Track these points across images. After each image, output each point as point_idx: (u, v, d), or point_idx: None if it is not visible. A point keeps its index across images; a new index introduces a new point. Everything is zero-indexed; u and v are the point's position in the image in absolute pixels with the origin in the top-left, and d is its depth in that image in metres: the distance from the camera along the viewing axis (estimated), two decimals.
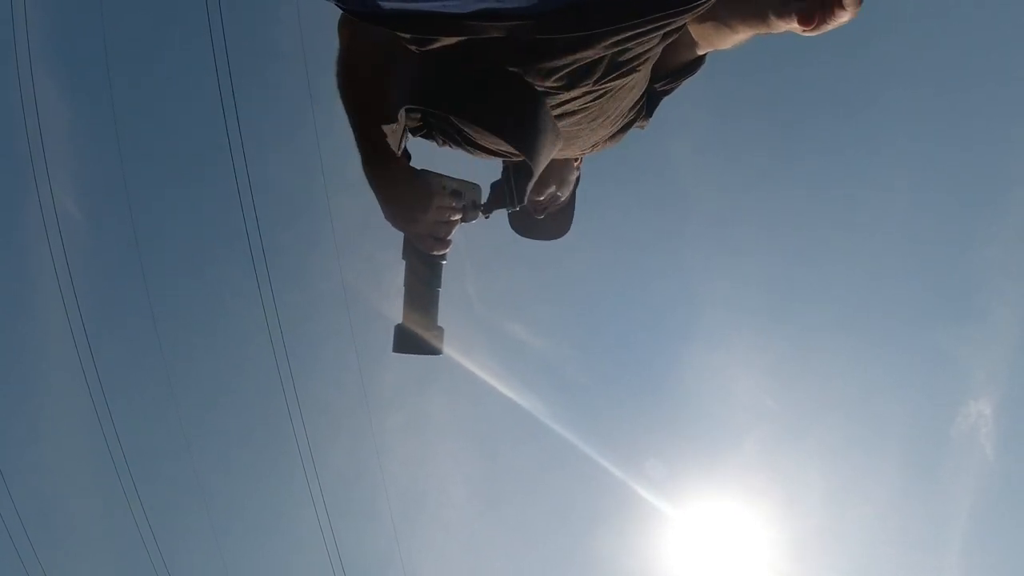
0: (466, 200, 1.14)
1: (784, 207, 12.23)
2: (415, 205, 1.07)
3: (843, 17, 0.82)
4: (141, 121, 12.19)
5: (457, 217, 1.13)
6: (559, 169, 1.31)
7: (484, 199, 1.22)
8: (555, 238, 1.50)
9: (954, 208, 11.11)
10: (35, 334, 12.75)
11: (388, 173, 1.06)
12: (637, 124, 1.18)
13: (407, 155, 1.09)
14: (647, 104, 1.15)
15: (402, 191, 1.07)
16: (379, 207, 1.10)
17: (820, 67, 10.33)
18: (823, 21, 0.82)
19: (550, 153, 0.96)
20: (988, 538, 12.89)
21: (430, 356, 1.24)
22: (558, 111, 0.98)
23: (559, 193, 1.35)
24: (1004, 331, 11.03)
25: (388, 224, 1.14)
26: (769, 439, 13.92)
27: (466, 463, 15.68)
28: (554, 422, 12.98)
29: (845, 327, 12.58)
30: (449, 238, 1.14)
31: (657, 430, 14.74)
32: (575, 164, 1.36)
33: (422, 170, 1.10)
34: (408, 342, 1.20)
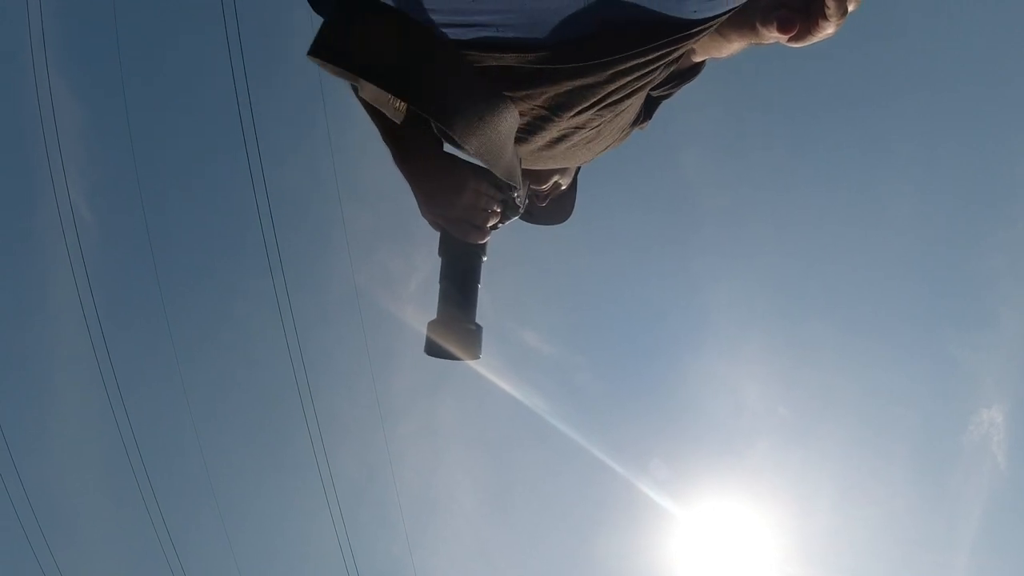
0: (506, 195, 1.09)
1: (794, 213, 12.17)
2: (449, 188, 1.04)
3: (828, 29, 0.79)
4: (155, 124, 12.30)
5: (497, 208, 1.08)
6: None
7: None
8: (558, 223, 1.49)
9: (965, 215, 11.03)
10: (50, 335, 12.87)
11: (419, 159, 1.03)
12: (638, 127, 1.17)
13: (439, 142, 1.05)
14: (645, 109, 1.14)
15: (436, 175, 1.04)
16: (415, 202, 1.07)
17: (825, 72, 10.30)
18: (807, 32, 0.80)
19: (488, 126, 0.86)
20: (999, 547, 12.75)
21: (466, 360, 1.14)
22: (556, 134, 0.97)
23: (561, 182, 1.33)
24: (1016, 339, 10.93)
25: (423, 223, 1.10)
26: (779, 445, 13.84)
27: (478, 465, 15.68)
28: (566, 426, 12.98)
29: (856, 334, 12.50)
30: (488, 227, 1.09)
31: (669, 433, 14.71)
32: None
33: (457, 156, 1.05)
34: (442, 345, 1.12)
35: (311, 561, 15.43)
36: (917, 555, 13.46)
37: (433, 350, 1.13)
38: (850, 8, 0.77)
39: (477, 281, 1.14)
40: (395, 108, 0.95)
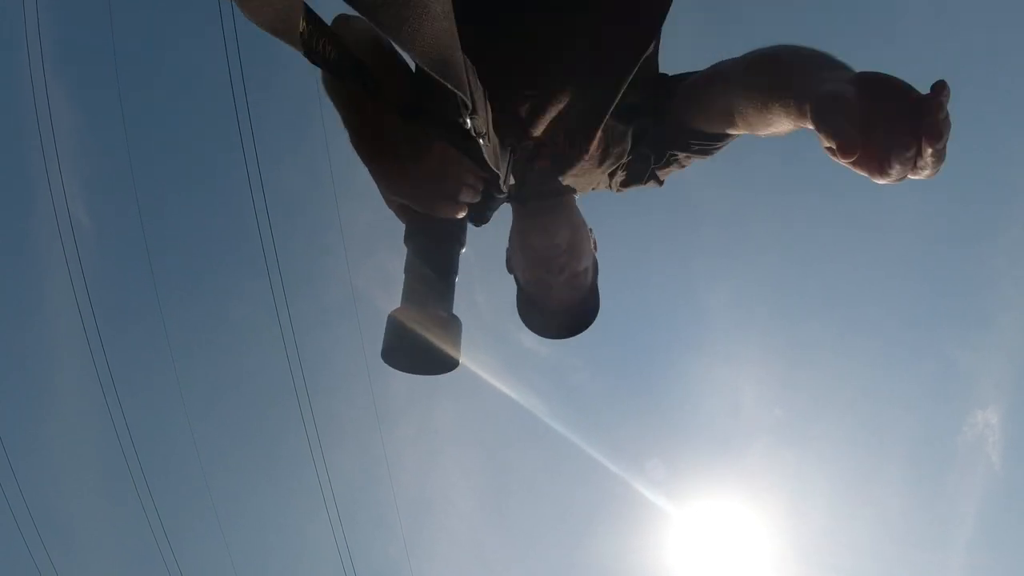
0: (486, 172, 0.89)
1: (792, 213, 12.19)
2: (413, 156, 0.86)
3: (894, 175, 0.67)
4: (152, 126, 12.28)
5: (474, 182, 0.90)
6: (567, 212, 1.20)
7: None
8: (578, 325, 1.29)
9: (965, 217, 11.05)
10: (48, 338, 12.84)
11: (380, 134, 0.87)
12: (644, 182, 1.13)
13: (399, 118, 0.86)
14: (654, 157, 1.09)
15: (397, 147, 0.86)
16: (378, 188, 0.92)
17: None
18: (870, 166, 0.67)
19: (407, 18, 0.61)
20: (994, 547, 12.78)
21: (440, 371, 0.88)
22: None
23: (574, 250, 1.19)
24: (1011, 341, 10.96)
25: (394, 217, 0.96)
26: (775, 445, 13.86)
27: (475, 466, 15.68)
28: (563, 427, 12.98)
29: (854, 335, 12.51)
30: (463, 200, 0.90)
31: (666, 434, 14.73)
32: (590, 236, 1.27)
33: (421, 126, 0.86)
34: (408, 354, 0.86)
35: (308, 562, 15.42)
36: (912, 555, 13.49)
37: (398, 362, 0.87)
38: (923, 173, 0.67)
39: (454, 272, 0.93)
40: (299, 32, 0.69)
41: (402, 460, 15.31)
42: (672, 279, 13.63)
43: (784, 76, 0.82)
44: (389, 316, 0.88)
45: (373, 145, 0.88)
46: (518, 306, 1.34)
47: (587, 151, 1.10)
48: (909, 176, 0.67)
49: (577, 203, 1.26)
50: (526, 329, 1.31)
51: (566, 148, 1.10)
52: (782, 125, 0.84)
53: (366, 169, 0.92)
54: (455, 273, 0.93)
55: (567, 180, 1.15)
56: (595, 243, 1.31)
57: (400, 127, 0.85)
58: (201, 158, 12.59)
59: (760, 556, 13.31)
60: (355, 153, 0.90)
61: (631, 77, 0.97)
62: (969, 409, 12.26)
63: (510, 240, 1.29)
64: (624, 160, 1.15)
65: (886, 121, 0.66)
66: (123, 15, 10.71)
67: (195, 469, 12.54)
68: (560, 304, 1.25)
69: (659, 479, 12.68)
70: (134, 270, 12.45)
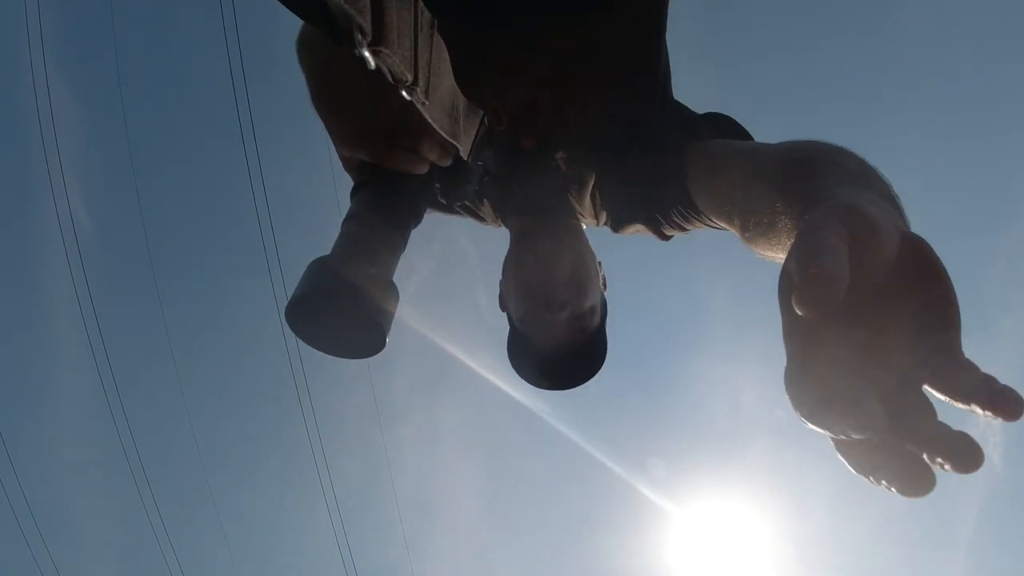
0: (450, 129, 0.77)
1: None
2: (369, 102, 0.77)
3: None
4: (153, 124, 12.29)
5: (445, 141, 0.79)
6: (571, 237, 1.08)
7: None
8: (579, 374, 1.12)
9: (964, 218, 11.05)
10: (48, 339, 12.85)
11: (343, 81, 0.78)
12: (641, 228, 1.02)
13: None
14: (657, 216, 0.97)
15: (359, 90, 0.77)
16: (333, 140, 0.82)
17: (823, 71, 10.29)
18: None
19: None
20: (995, 547, 12.79)
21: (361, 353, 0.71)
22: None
23: (578, 283, 1.04)
24: (1011, 341, 10.96)
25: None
26: (777, 446, 13.87)
27: (476, 465, 15.68)
28: (564, 425, 13.00)
29: None
30: (426, 155, 0.80)
31: (667, 434, 14.73)
32: (599, 270, 1.12)
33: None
34: (326, 313, 0.68)
35: (309, 562, 15.43)
36: (913, 555, 13.50)
37: (309, 307, 0.67)
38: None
39: (403, 235, 0.78)
40: None
41: (403, 460, 15.32)
42: (673, 278, 13.63)
43: (805, 182, 0.60)
44: (311, 263, 0.70)
45: (334, 94, 0.79)
46: (509, 348, 1.14)
47: (572, 119, 1.00)
48: (867, 470, 0.43)
49: (585, 232, 1.14)
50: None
51: (552, 120, 1.01)
52: (775, 235, 0.63)
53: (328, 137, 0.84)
54: (404, 241, 0.78)
55: (559, 159, 1.06)
56: (605, 280, 1.14)
57: (365, 78, 0.74)
58: (202, 157, 12.60)
59: (761, 555, 13.34)
60: (316, 112, 0.81)
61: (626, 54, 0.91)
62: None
63: (504, 271, 1.12)
64: (616, 158, 1.06)
65: (895, 324, 0.43)
66: (124, 13, 10.72)
67: (196, 468, 12.57)
68: (559, 348, 1.06)
69: (660, 478, 12.71)
70: (135, 269, 12.47)
